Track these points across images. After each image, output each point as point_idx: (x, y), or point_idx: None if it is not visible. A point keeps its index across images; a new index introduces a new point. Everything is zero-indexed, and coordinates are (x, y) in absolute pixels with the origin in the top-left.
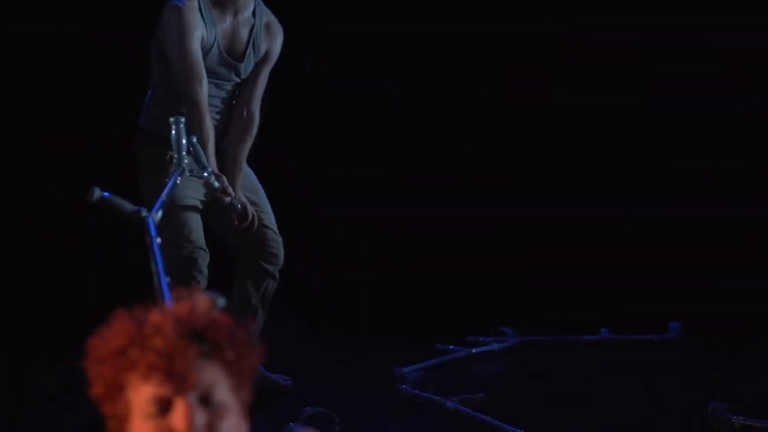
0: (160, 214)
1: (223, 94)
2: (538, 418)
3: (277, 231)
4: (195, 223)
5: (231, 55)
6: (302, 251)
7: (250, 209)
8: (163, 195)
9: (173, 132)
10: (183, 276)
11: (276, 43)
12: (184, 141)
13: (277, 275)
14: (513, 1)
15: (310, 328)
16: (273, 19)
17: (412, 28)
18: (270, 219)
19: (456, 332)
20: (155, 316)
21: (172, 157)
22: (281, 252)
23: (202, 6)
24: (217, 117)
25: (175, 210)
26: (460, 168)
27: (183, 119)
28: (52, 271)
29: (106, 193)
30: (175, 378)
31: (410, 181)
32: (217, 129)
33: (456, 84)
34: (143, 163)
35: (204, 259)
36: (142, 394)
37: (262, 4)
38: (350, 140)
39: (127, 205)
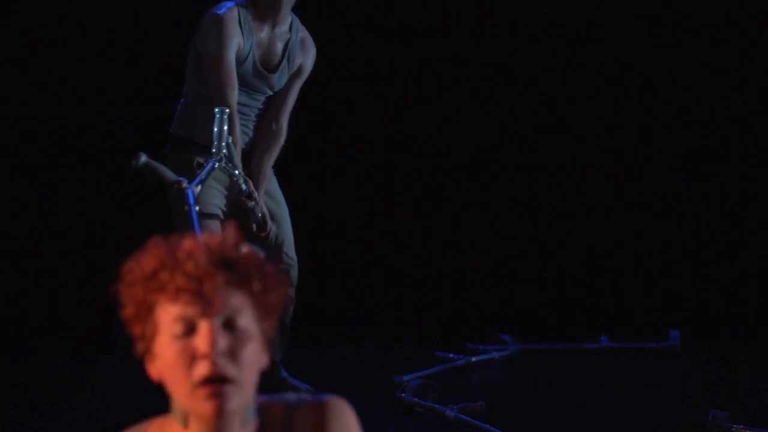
0: (199, 188)
1: (258, 105)
2: (537, 426)
3: (293, 254)
4: (216, 231)
5: (265, 66)
6: (302, 255)
7: (270, 222)
8: (203, 174)
9: (216, 120)
10: None
11: (309, 58)
12: (225, 129)
13: (292, 295)
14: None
15: (310, 333)
16: (307, 35)
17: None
18: (288, 241)
19: (456, 340)
20: (188, 243)
21: (199, 163)
22: (294, 276)
23: (241, 16)
24: (251, 127)
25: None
26: (462, 174)
27: (228, 110)
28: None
29: (150, 160)
30: (202, 300)
31: (411, 187)
32: (250, 140)
33: (458, 86)
34: (172, 170)
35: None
36: (169, 315)
37: (298, 20)
38: (352, 145)
39: (170, 174)
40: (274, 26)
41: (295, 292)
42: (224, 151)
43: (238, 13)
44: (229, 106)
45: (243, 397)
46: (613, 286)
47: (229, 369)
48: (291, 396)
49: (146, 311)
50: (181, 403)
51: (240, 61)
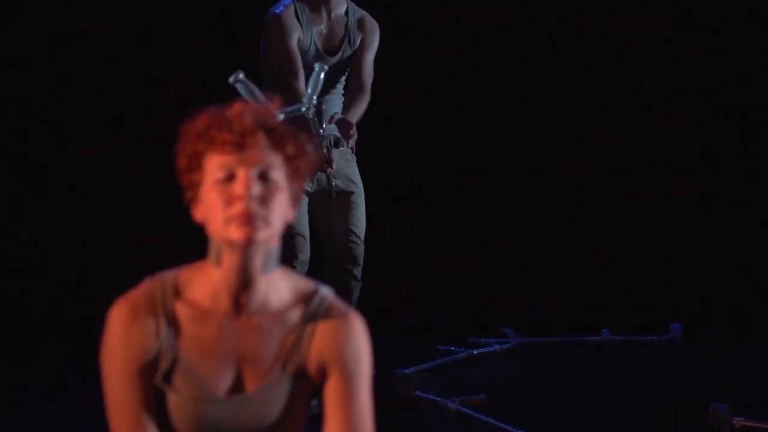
0: (282, 117)
1: (336, 83)
2: (539, 420)
3: (361, 237)
4: (298, 209)
5: (329, 51)
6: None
7: (335, 159)
8: (289, 109)
9: (314, 74)
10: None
11: (369, 34)
12: (320, 84)
13: (358, 275)
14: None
15: None
16: (366, 14)
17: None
18: (357, 223)
19: (457, 333)
20: (237, 107)
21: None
22: (359, 255)
23: (298, 10)
24: (333, 104)
25: None
26: (463, 168)
27: (326, 67)
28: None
29: (246, 79)
30: (242, 153)
31: (412, 180)
32: (324, 110)
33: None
34: None
35: (301, 246)
36: (213, 163)
37: (354, 3)
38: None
39: (261, 96)
40: (329, 15)
41: (361, 272)
42: (314, 101)
43: (295, 8)
44: (293, 91)
45: (268, 232)
46: (615, 279)
47: (259, 210)
48: (328, 290)
49: (196, 162)
50: (217, 237)
51: (303, 51)
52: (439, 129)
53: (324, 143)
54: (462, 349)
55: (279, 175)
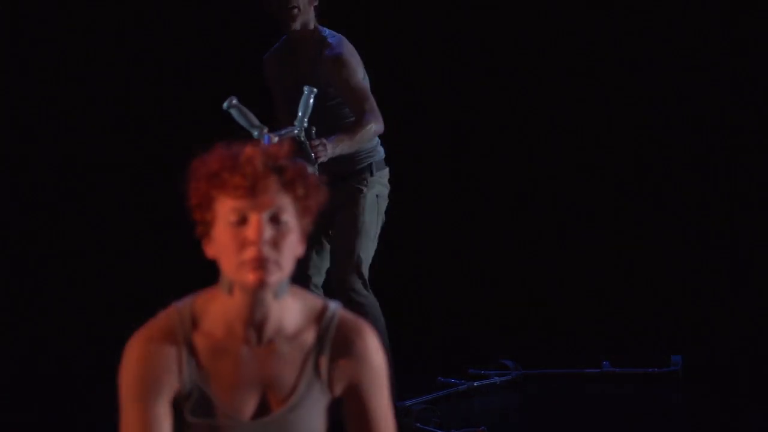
0: (276, 139)
1: (324, 104)
2: None
3: (343, 265)
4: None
5: (300, 85)
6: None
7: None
8: (282, 131)
9: (303, 97)
10: None
11: (339, 64)
12: (310, 107)
13: (355, 299)
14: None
15: None
16: (328, 43)
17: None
18: (341, 251)
19: (458, 365)
20: (249, 150)
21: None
22: (350, 282)
23: (276, 55)
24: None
25: None
26: (463, 196)
27: (316, 90)
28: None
29: (239, 104)
30: (255, 197)
31: (410, 210)
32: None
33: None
34: None
35: (304, 283)
36: (226, 206)
37: (325, 33)
38: None
39: (255, 120)
40: (296, 50)
41: (359, 295)
42: (305, 124)
43: (276, 52)
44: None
45: (280, 275)
46: (615, 311)
47: (271, 254)
48: (336, 305)
49: (208, 203)
50: (230, 275)
51: (284, 89)
52: (432, 155)
53: (317, 167)
54: (462, 381)
55: (289, 216)
